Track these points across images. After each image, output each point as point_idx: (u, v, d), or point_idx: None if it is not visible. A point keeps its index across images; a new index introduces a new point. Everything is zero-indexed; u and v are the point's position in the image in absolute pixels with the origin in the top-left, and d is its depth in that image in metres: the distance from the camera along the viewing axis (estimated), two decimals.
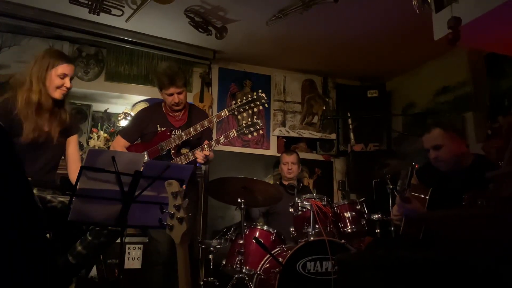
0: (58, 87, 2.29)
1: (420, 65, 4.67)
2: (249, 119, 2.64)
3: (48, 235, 2.02)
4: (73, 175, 2.40)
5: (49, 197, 2.14)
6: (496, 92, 3.86)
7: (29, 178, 1.81)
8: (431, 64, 4.55)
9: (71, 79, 2.35)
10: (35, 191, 2.13)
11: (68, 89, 2.34)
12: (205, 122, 2.68)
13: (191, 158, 2.68)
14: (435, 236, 2.12)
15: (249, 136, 2.64)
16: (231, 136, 2.64)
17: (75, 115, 2.62)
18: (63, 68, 2.30)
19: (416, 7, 2.37)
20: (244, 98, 2.65)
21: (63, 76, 2.30)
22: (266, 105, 2.65)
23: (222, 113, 2.68)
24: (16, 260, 0.75)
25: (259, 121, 2.61)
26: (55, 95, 2.30)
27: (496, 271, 1.48)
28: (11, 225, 0.75)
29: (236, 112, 2.64)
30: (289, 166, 3.93)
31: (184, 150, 2.83)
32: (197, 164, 3.04)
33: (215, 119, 2.72)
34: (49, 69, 2.27)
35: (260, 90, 2.66)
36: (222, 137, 2.65)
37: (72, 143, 2.47)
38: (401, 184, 2.28)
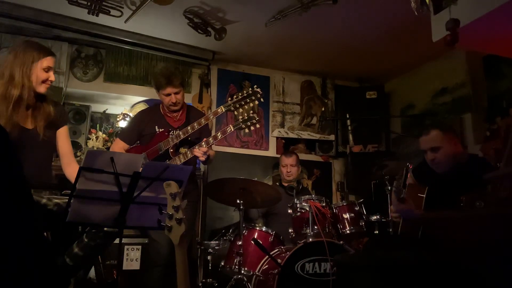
0: (44, 81, 2.21)
1: (419, 67, 4.68)
2: (246, 114, 2.64)
3: (45, 234, 2.01)
4: (67, 170, 2.35)
5: (44, 200, 2.09)
6: (494, 94, 3.87)
7: None
8: (429, 65, 4.56)
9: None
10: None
11: (52, 82, 2.26)
12: (202, 120, 2.68)
13: (190, 156, 2.68)
14: (433, 236, 2.13)
15: (247, 130, 2.62)
16: (228, 131, 2.63)
17: (60, 106, 2.49)
18: (48, 61, 2.22)
19: (415, 8, 2.38)
20: (240, 94, 2.65)
21: (48, 69, 2.22)
22: (262, 100, 2.63)
23: (219, 110, 2.68)
24: (15, 261, 0.75)
25: (255, 115, 2.60)
26: (40, 90, 2.21)
27: (494, 272, 1.48)
28: (10, 226, 0.75)
29: (233, 108, 2.64)
30: (288, 168, 3.89)
31: (182, 150, 2.83)
32: (197, 165, 3.05)
33: (211, 116, 2.72)
34: (34, 62, 2.18)
35: (255, 86, 2.65)
36: (219, 133, 2.65)
37: (62, 135, 2.37)
38: (397, 184, 2.29)
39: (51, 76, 2.24)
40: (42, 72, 2.20)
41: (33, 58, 2.18)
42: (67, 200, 1.79)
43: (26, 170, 2.09)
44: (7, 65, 2.17)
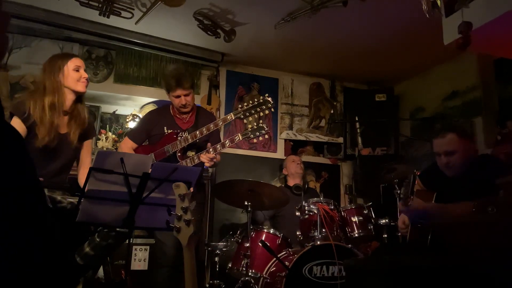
0: (78, 80, 2.32)
1: (429, 69, 4.64)
2: (255, 123, 2.64)
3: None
4: (82, 180, 2.40)
5: (59, 197, 2.15)
6: (505, 97, 3.83)
7: (41, 179, 1.82)
8: (439, 68, 4.52)
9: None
10: (45, 191, 2.14)
11: (87, 79, 2.37)
12: (211, 126, 2.69)
13: (196, 161, 2.69)
14: (443, 242, 2.11)
15: (255, 140, 2.65)
16: (236, 140, 2.65)
17: (91, 119, 2.63)
18: (74, 61, 2.34)
19: (426, 11, 2.35)
20: (251, 102, 2.66)
21: (78, 68, 2.33)
22: (272, 110, 2.66)
23: (228, 117, 2.69)
24: (26, 260, 0.76)
25: (264, 126, 2.62)
26: (78, 88, 2.32)
27: (504, 277, 1.47)
28: (22, 226, 0.76)
29: (242, 116, 2.65)
30: (298, 161, 4.12)
31: (190, 153, 2.84)
32: (205, 167, 3.05)
33: (221, 123, 2.73)
34: (62, 67, 2.29)
35: (266, 95, 2.67)
36: (227, 140, 2.66)
37: (87, 147, 2.49)
38: (405, 191, 2.26)
39: (83, 73, 2.35)
40: (73, 72, 2.32)
41: (59, 64, 2.30)
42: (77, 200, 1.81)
43: (50, 171, 2.18)
44: (39, 80, 2.32)
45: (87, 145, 2.49)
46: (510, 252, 1.41)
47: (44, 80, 2.28)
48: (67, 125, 2.32)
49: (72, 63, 2.33)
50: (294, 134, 4.92)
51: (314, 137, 4.99)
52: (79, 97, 2.38)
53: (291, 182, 4.06)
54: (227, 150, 4.39)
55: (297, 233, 3.12)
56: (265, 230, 3.14)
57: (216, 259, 3.17)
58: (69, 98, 2.32)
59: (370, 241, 3.34)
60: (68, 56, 2.39)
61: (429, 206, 2.25)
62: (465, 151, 2.30)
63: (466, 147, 2.31)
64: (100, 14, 3.58)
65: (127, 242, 2.04)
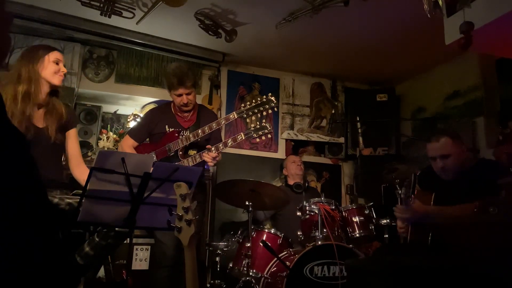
0: (56, 72, 2.26)
1: (430, 69, 4.63)
2: (258, 123, 2.64)
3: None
4: (75, 171, 2.37)
5: (56, 199, 2.12)
6: (506, 97, 3.82)
7: None
8: (441, 68, 4.51)
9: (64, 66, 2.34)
10: None
11: (65, 74, 2.32)
12: (213, 124, 2.68)
13: (198, 160, 2.69)
14: (443, 242, 2.11)
15: (257, 140, 2.63)
16: (239, 139, 2.63)
17: (70, 108, 2.52)
18: (55, 54, 2.29)
19: (428, 11, 2.35)
20: (254, 101, 2.65)
21: (57, 61, 2.28)
22: (275, 109, 2.65)
23: (231, 116, 2.68)
24: (26, 260, 0.76)
25: (267, 125, 2.61)
26: (54, 81, 2.26)
27: (505, 277, 1.46)
28: (22, 226, 0.76)
29: (245, 115, 2.64)
30: (299, 162, 4.14)
31: (191, 152, 2.84)
32: (205, 167, 3.05)
33: (223, 122, 2.72)
34: (41, 57, 2.23)
35: (269, 94, 2.65)
36: (230, 140, 2.65)
37: (71, 137, 2.40)
38: (406, 191, 2.27)
39: (62, 68, 2.30)
40: (52, 64, 2.26)
41: (39, 54, 2.24)
42: (78, 200, 1.81)
43: (39, 168, 2.14)
44: (15, 67, 2.23)
45: (71, 135, 2.40)
46: (510, 252, 1.41)
47: (20, 68, 2.19)
48: (43, 119, 2.25)
49: (53, 55, 2.28)
50: (295, 134, 4.92)
51: (315, 137, 4.98)
52: (55, 91, 2.31)
53: (291, 182, 4.07)
54: (229, 149, 4.37)
55: (298, 233, 3.12)
56: (266, 230, 3.14)
57: (217, 259, 3.17)
58: (44, 90, 2.24)
59: (371, 241, 3.33)
60: (51, 48, 2.33)
61: (429, 208, 2.26)
62: (459, 154, 2.34)
63: (459, 150, 2.35)
64: (101, 14, 3.58)
65: (128, 242, 2.04)
